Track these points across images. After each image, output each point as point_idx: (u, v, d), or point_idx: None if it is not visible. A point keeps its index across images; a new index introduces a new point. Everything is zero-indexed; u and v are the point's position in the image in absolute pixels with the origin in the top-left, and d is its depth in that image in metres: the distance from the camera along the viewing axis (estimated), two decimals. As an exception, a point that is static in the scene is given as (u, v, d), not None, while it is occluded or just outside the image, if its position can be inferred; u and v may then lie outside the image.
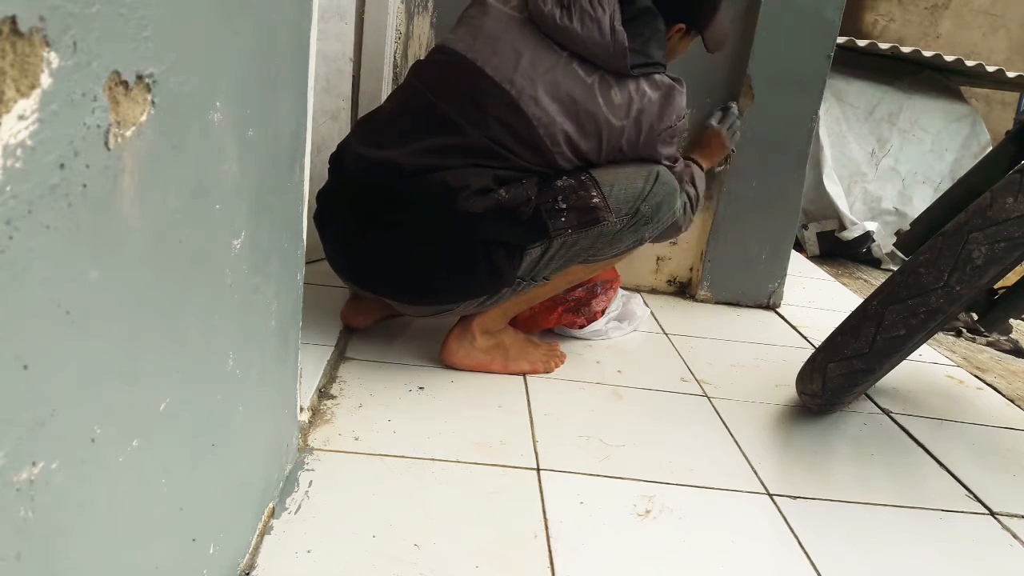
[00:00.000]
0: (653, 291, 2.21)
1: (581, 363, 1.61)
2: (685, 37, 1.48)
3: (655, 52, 1.38)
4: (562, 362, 1.57)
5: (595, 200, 1.35)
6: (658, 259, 2.19)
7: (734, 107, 1.99)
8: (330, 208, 1.37)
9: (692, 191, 1.70)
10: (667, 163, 1.46)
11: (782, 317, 2.14)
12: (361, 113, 1.86)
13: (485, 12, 1.39)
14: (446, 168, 1.28)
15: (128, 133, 0.48)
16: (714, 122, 1.95)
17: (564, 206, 1.34)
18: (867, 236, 3.28)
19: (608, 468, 1.20)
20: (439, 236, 1.29)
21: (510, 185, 1.31)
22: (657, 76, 1.38)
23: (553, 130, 1.32)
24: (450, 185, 1.26)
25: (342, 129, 1.83)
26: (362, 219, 1.33)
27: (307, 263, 1.05)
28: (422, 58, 1.46)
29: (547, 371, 1.53)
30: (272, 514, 0.96)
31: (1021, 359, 2.19)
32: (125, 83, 0.47)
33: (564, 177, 1.36)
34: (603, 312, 1.77)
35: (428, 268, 1.32)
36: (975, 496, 1.28)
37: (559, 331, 1.74)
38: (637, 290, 2.18)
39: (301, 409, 1.12)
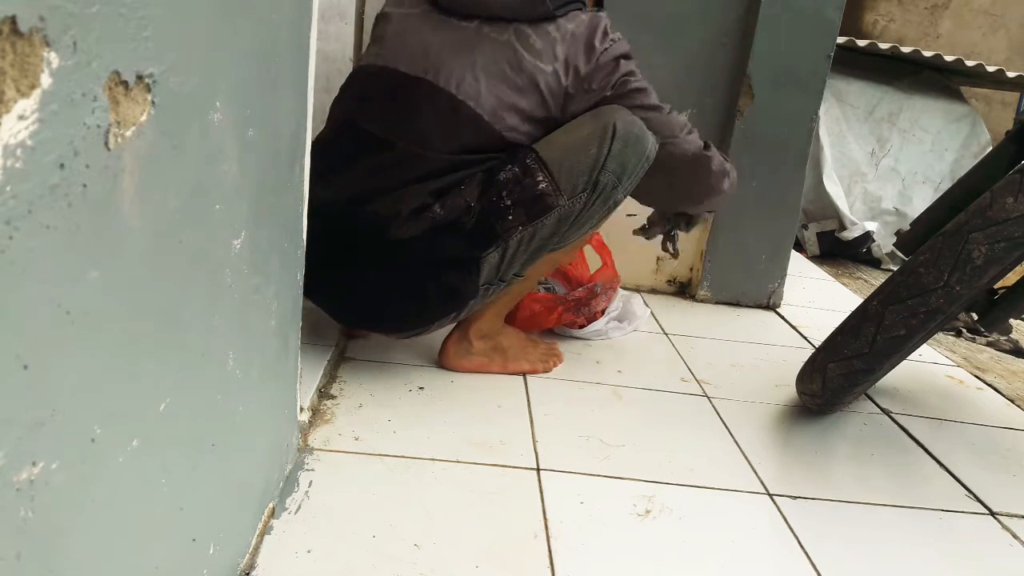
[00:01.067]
0: (653, 291, 2.21)
1: (581, 363, 1.61)
2: None
3: None
4: (560, 361, 1.57)
5: (541, 186, 1.27)
6: (658, 259, 2.19)
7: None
8: None
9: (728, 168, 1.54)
10: (625, 80, 1.35)
11: (782, 317, 2.14)
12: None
13: (387, 21, 1.38)
14: (378, 192, 1.25)
15: (128, 133, 0.48)
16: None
17: (509, 202, 1.26)
18: (867, 236, 3.27)
19: (608, 468, 1.20)
20: (384, 267, 1.27)
21: (447, 197, 1.26)
22: (574, 12, 1.33)
23: (485, 100, 1.27)
24: (380, 215, 1.24)
25: (342, 129, 1.83)
26: (320, 259, 1.26)
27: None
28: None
29: (546, 371, 1.53)
30: (272, 514, 0.96)
31: (1021, 359, 2.19)
32: (125, 83, 0.47)
33: (508, 167, 1.28)
34: (603, 312, 1.77)
35: (382, 300, 1.31)
36: (975, 496, 1.28)
37: (559, 331, 1.74)
38: (637, 290, 2.18)
39: (301, 409, 1.12)
